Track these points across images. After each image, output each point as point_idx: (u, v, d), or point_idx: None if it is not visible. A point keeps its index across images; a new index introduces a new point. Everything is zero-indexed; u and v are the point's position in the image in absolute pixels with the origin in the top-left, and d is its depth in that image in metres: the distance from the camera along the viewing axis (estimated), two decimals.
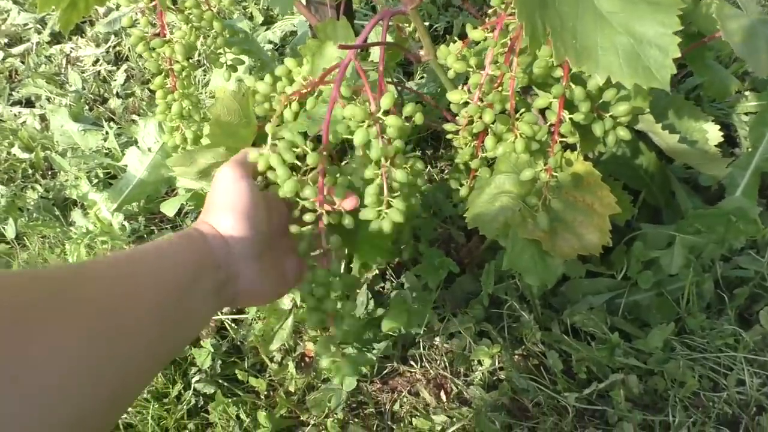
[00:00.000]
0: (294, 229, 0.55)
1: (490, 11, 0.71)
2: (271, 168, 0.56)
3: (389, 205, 0.57)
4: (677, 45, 0.47)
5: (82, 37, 1.59)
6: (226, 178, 0.52)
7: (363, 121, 0.57)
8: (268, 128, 0.58)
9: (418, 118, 0.61)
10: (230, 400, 0.80)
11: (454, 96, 0.65)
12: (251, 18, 1.51)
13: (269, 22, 1.50)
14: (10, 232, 1.10)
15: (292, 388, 0.81)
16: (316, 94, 0.66)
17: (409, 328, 0.80)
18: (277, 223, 0.56)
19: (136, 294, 0.39)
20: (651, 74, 0.47)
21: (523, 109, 0.65)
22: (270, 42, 1.42)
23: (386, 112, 0.59)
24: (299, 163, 0.56)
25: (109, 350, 0.35)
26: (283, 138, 0.58)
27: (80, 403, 0.33)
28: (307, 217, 0.55)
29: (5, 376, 0.29)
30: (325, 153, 0.56)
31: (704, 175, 0.98)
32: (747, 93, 1.05)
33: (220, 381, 0.84)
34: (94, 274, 0.39)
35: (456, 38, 0.69)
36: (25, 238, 1.09)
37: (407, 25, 0.84)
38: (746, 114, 1.04)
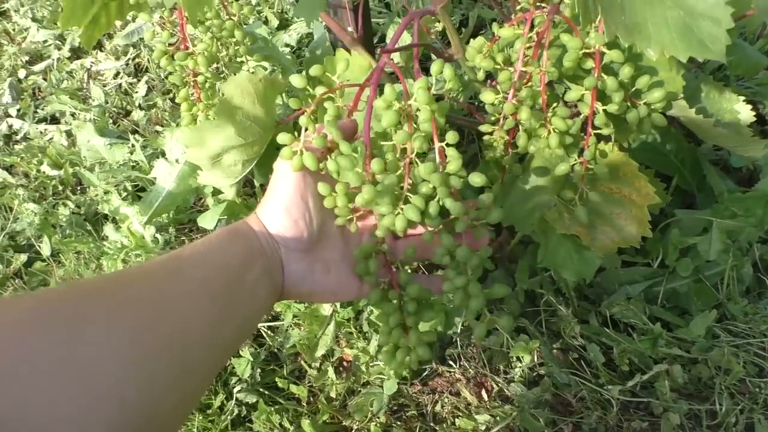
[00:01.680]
0: (356, 251, 0.54)
1: (510, 4, 0.71)
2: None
3: (406, 201, 0.53)
4: (730, 16, 0.47)
5: (101, 51, 1.61)
6: (279, 171, 0.51)
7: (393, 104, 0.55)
8: (303, 120, 0.57)
9: (448, 75, 0.57)
10: (272, 409, 0.81)
11: (488, 96, 0.64)
12: (266, 22, 1.51)
13: (285, 25, 1.50)
14: (45, 250, 1.11)
15: (333, 394, 0.82)
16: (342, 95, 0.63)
17: (447, 330, 0.79)
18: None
19: (184, 287, 0.40)
20: (705, 46, 0.46)
21: (555, 104, 0.64)
22: (287, 45, 1.42)
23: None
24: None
25: (160, 343, 0.35)
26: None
27: (136, 399, 0.33)
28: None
29: (56, 381, 0.29)
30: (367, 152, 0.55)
31: (735, 156, 0.96)
32: None
33: (261, 390, 0.84)
34: (140, 273, 0.40)
35: (471, 31, 0.68)
36: (60, 255, 1.10)
37: (436, 24, 0.84)
38: None
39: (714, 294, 0.82)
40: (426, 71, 1.30)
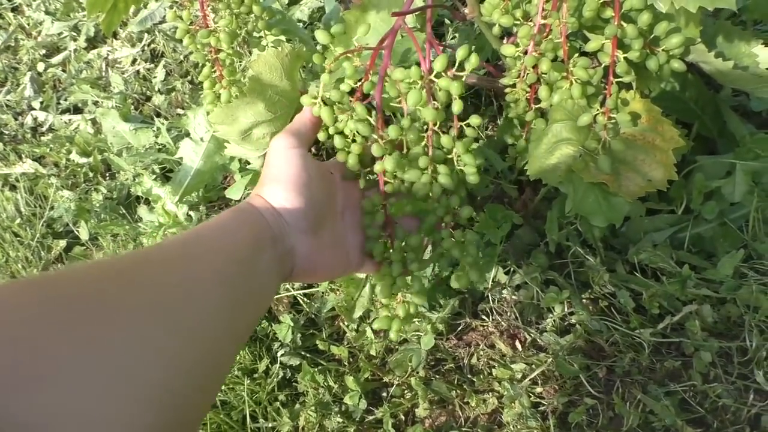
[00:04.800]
0: (366, 202, 0.57)
1: None
2: (338, 133, 0.59)
3: (436, 171, 0.58)
4: None
5: (116, 39, 1.63)
6: (277, 148, 0.52)
7: (416, 83, 0.58)
8: (324, 77, 0.60)
9: (474, 61, 0.59)
10: (316, 369, 0.84)
11: (508, 50, 0.66)
12: None
13: (296, 0, 1.51)
14: (83, 235, 1.15)
15: (372, 352, 0.85)
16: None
17: (479, 282, 0.82)
18: (339, 198, 0.57)
19: (193, 273, 0.39)
20: None
21: (576, 54, 0.65)
22: (299, 21, 1.43)
23: (438, 75, 0.60)
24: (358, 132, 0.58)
25: (172, 323, 0.34)
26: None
27: (152, 379, 0.31)
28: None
29: (69, 377, 0.28)
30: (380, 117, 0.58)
31: (755, 100, 0.97)
32: None
33: (303, 353, 0.88)
34: (150, 256, 0.39)
35: None
36: (98, 238, 1.14)
37: None
38: None
39: (739, 236, 0.83)
40: (439, 37, 1.31)
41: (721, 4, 0.47)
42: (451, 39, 1.32)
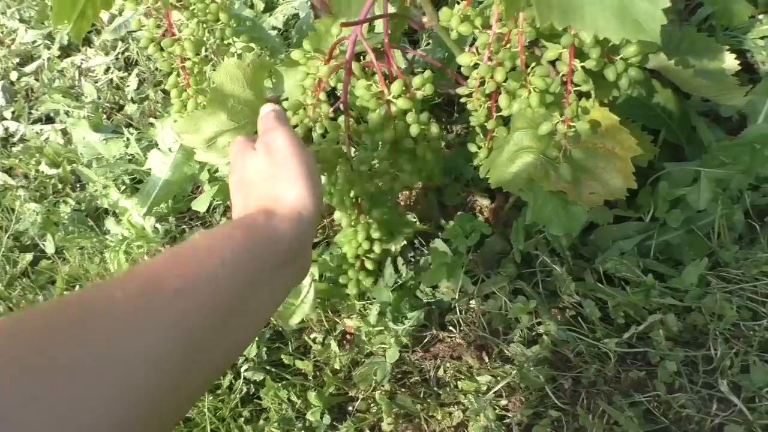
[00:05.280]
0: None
1: None
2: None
3: (401, 169, 0.66)
4: None
5: (90, 47, 1.61)
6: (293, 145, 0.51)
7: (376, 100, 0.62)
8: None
9: (428, 89, 0.63)
10: (280, 385, 0.83)
11: (464, 59, 0.65)
12: (252, 6, 1.51)
13: (271, 8, 1.50)
14: (49, 248, 1.13)
15: (337, 366, 0.84)
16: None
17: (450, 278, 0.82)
18: None
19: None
20: (640, 27, 0.46)
21: (534, 63, 0.65)
22: (274, 28, 1.42)
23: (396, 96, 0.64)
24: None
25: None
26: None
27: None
28: None
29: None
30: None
31: (724, 106, 0.96)
32: (761, 16, 1.03)
33: (268, 367, 0.86)
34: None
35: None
36: (64, 251, 1.13)
37: None
38: (762, 38, 1.01)
39: (706, 243, 0.83)
40: (414, 43, 1.30)
41: (646, 37, 0.46)
42: (426, 45, 1.31)
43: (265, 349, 0.87)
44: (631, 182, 0.67)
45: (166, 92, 1.41)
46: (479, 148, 0.79)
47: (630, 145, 0.67)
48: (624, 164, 0.68)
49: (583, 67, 0.62)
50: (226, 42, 0.87)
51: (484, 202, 0.98)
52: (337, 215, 0.77)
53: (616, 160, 0.68)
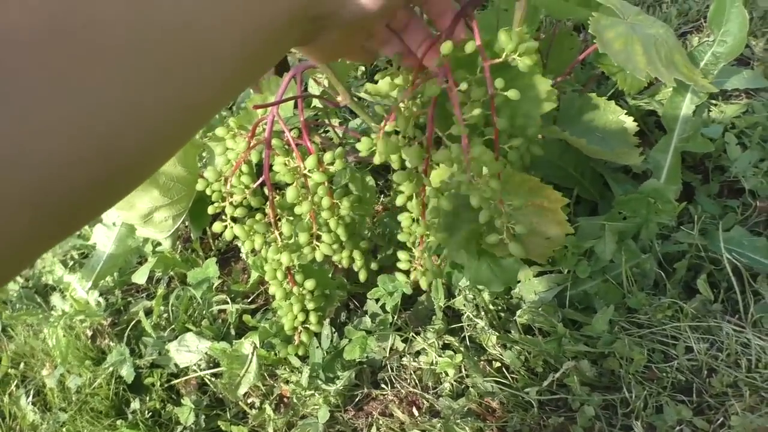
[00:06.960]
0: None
1: None
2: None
3: (318, 239, 0.70)
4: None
5: None
6: None
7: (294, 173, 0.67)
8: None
9: (338, 165, 0.68)
10: None
11: (364, 145, 0.68)
12: None
13: None
14: None
15: (271, 430, 0.86)
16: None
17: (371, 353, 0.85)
18: None
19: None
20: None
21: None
22: None
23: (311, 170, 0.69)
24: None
25: None
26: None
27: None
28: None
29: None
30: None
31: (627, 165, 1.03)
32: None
33: None
34: None
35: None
36: (10, 329, 1.14)
37: (323, 76, 0.91)
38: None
39: (619, 291, 0.88)
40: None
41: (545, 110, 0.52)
42: (367, 105, 1.38)
43: (203, 416, 0.89)
44: (567, 228, 0.69)
45: None
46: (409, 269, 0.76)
47: (555, 198, 0.70)
48: (556, 214, 0.71)
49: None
50: None
51: None
52: (272, 289, 0.78)
53: (548, 212, 0.72)
